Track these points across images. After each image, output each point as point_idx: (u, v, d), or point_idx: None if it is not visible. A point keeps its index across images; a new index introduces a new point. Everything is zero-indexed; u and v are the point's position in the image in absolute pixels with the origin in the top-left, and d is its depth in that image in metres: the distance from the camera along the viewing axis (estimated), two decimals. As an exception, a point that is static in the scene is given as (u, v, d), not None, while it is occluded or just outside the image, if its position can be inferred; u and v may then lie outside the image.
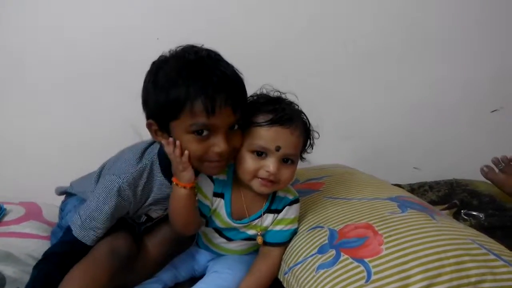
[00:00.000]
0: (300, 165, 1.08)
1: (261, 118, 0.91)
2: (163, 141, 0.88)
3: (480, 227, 1.20)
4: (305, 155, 1.00)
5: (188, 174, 0.88)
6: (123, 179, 0.93)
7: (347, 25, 1.61)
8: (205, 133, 0.85)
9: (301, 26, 1.58)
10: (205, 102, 0.81)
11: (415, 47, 1.67)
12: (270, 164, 0.90)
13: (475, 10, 1.67)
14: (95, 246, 0.96)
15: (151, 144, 1.01)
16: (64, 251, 0.93)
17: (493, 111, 1.75)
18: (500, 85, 1.74)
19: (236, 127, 0.89)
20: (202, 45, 0.89)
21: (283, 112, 0.91)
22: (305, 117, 0.97)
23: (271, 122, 0.90)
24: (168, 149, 0.87)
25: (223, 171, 0.97)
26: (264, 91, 0.97)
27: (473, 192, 1.45)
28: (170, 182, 0.94)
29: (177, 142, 0.86)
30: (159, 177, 0.98)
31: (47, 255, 0.93)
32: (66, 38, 1.46)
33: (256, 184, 0.92)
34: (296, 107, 0.97)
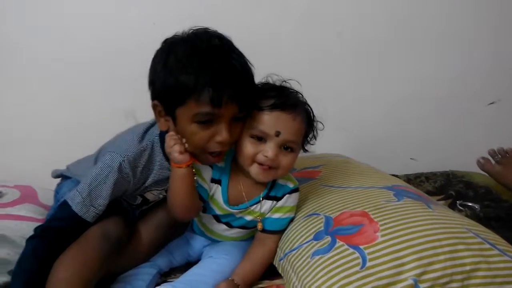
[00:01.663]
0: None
1: (263, 103, 0.90)
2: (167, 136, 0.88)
3: (475, 218, 1.20)
4: (308, 147, 0.99)
5: (180, 156, 0.86)
6: (124, 157, 0.92)
7: (342, 17, 1.61)
8: (208, 122, 0.85)
9: (295, 17, 1.58)
10: (212, 94, 0.81)
11: (412, 38, 1.67)
12: (268, 149, 0.89)
13: (471, 2, 1.67)
14: (87, 230, 0.95)
15: (152, 125, 1.00)
16: (60, 227, 0.93)
17: (490, 104, 1.75)
18: (497, 77, 1.74)
19: (240, 119, 0.89)
20: (215, 30, 0.89)
21: (286, 98, 0.91)
22: (309, 108, 0.96)
23: (273, 107, 0.89)
24: (167, 139, 0.87)
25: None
26: (270, 80, 0.96)
27: (469, 184, 1.46)
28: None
29: (175, 136, 0.86)
30: (159, 158, 0.98)
31: (42, 229, 0.92)
32: (59, 24, 1.44)
33: (254, 170, 0.91)
34: (301, 96, 0.96)
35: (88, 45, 1.46)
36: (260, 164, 0.90)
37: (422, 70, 1.70)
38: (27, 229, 1.06)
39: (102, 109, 1.34)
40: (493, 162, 1.40)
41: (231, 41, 0.89)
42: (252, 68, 0.90)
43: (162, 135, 0.96)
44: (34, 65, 1.46)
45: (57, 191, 1.16)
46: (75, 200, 0.93)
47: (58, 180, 1.18)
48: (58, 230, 0.92)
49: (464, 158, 1.53)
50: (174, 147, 0.86)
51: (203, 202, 0.99)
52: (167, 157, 0.97)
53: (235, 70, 0.84)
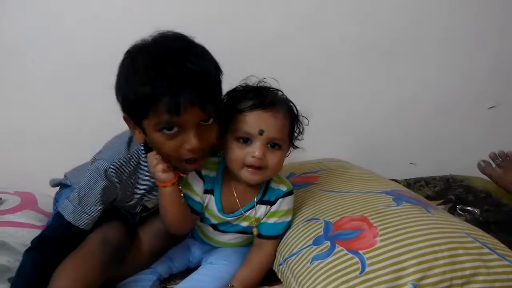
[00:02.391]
0: (296, 158, 1.08)
1: (242, 105, 0.90)
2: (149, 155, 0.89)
3: (475, 222, 1.21)
4: (298, 144, 0.99)
5: (160, 175, 0.87)
6: (109, 163, 0.93)
7: (343, 21, 1.60)
8: (174, 130, 0.83)
9: (297, 22, 1.57)
10: (169, 102, 0.79)
11: (412, 42, 1.66)
12: (255, 150, 0.89)
13: (472, 7, 1.67)
14: (87, 237, 0.96)
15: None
16: (56, 236, 0.93)
17: (490, 108, 1.75)
18: (497, 81, 1.73)
19: (210, 121, 0.86)
20: (176, 31, 0.86)
21: (264, 97, 0.91)
22: (291, 103, 0.96)
23: (253, 107, 0.89)
24: (149, 158, 0.89)
25: (213, 168, 0.98)
26: (249, 82, 0.97)
27: (469, 188, 1.46)
28: None
29: (157, 156, 0.87)
30: (145, 165, 0.97)
31: (39, 240, 0.93)
32: (57, 29, 1.43)
33: (245, 174, 0.91)
34: (280, 93, 0.96)
35: (91, 50, 1.46)
36: (250, 166, 0.90)
37: (422, 75, 1.70)
38: (27, 236, 1.06)
39: (104, 115, 1.33)
40: (493, 165, 1.40)
41: (190, 41, 0.86)
42: (216, 69, 0.87)
43: (146, 144, 0.95)
44: (36, 69, 1.46)
45: (56, 199, 1.16)
46: (67, 209, 0.94)
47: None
48: (54, 240, 0.93)
49: (464, 162, 1.52)
50: (157, 167, 0.87)
51: (197, 215, 0.99)
52: None
53: (192, 74, 0.80)
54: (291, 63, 1.58)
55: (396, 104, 1.71)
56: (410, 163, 1.74)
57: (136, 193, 1.01)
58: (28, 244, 1.03)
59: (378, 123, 1.72)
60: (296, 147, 0.99)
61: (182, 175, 0.93)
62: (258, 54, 1.50)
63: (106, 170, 0.92)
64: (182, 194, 0.92)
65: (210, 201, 0.98)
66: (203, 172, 0.98)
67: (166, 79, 0.79)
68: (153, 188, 1.00)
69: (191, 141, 0.83)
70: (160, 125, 0.82)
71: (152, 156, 0.88)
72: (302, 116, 0.98)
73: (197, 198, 0.97)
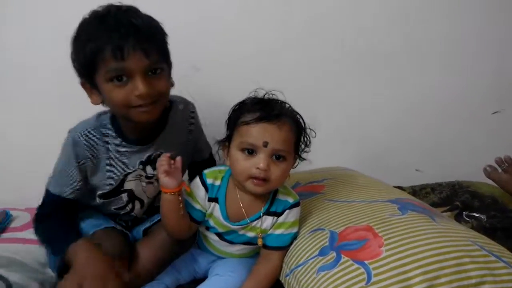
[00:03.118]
0: (302, 167, 1.09)
1: (248, 117, 0.92)
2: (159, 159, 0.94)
3: (481, 228, 1.20)
4: (304, 156, 1.00)
5: (163, 180, 0.92)
6: (76, 132, 0.99)
7: (346, 26, 1.61)
8: (124, 79, 0.89)
9: (297, 29, 1.58)
10: (113, 48, 0.86)
11: (416, 48, 1.67)
12: (259, 161, 0.90)
13: (476, 12, 1.67)
14: None
15: (107, 111, 1.05)
16: (49, 212, 1.02)
17: (494, 113, 1.75)
18: (501, 86, 1.73)
19: (158, 71, 0.93)
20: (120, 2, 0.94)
21: (270, 109, 0.93)
22: (298, 116, 0.98)
23: (258, 119, 0.91)
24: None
25: (219, 176, 1.00)
26: (257, 95, 0.98)
27: (475, 194, 1.45)
28: (125, 140, 1.01)
29: (167, 154, 0.93)
30: (112, 135, 1.02)
31: (36, 219, 1.03)
32: (60, 38, 1.45)
33: (250, 185, 0.93)
34: (287, 106, 0.97)
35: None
36: (255, 177, 0.92)
37: (426, 81, 1.70)
38: (37, 252, 1.09)
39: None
40: (499, 170, 1.39)
41: (133, 6, 0.94)
42: (161, 27, 0.95)
43: (113, 116, 1.02)
44: (50, 90, 1.48)
45: None
46: (51, 183, 1.02)
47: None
48: (49, 213, 1.02)
49: (470, 167, 1.52)
50: (161, 167, 0.91)
51: (197, 223, 1.01)
52: (119, 134, 1.02)
53: (132, 24, 0.88)
54: (292, 71, 1.59)
55: (400, 110, 1.71)
56: (416, 170, 1.74)
57: (112, 170, 1.04)
58: (40, 259, 1.06)
59: (383, 130, 1.72)
60: (303, 159, 1.00)
61: (187, 188, 0.97)
62: (259, 62, 1.52)
63: (73, 139, 0.99)
64: (181, 205, 0.95)
65: (215, 209, 1.00)
66: (208, 181, 0.99)
67: (110, 29, 0.87)
68: (126, 162, 1.04)
69: (138, 87, 0.89)
70: (109, 73, 0.89)
71: (161, 160, 0.92)
72: (310, 128, 0.99)
73: (198, 206, 0.99)
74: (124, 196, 1.08)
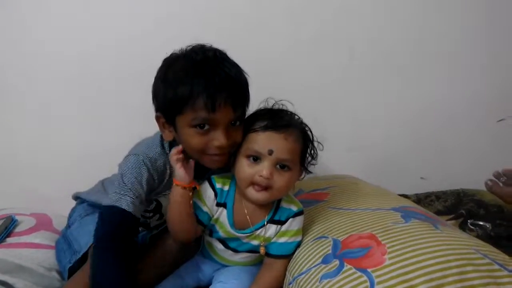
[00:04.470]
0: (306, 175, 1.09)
1: (257, 125, 0.94)
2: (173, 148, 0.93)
3: (486, 237, 1.20)
4: (310, 168, 1.01)
5: (178, 172, 0.92)
6: (143, 157, 0.98)
7: (353, 35, 1.62)
8: (206, 127, 0.90)
9: (307, 38, 1.59)
10: (206, 99, 0.87)
11: (421, 56, 1.67)
12: (263, 168, 0.91)
13: (482, 19, 1.67)
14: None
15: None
16: (111, 229, 0.94)
17: (499, 121, 1.74)
18: (507, 94, 1.72)
19: (237, 123, 0.94)
20: (211, 45, 0.95)
21: (278, 119, 0.95)
22: (307, 128, 0.99)
23: (265, 128, 0.93)
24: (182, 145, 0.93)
25: (227, 182, 1.00)
26: (268, 104, 1.00)
27: (481, 202, 1.44)
28: None
29: (179, 147, 0.92)
30: (170, 166, 1.02)
31: (98, 240, 0.93)
32: (78, 51, 1.48)
33: (251, 192, 0.94)
34: (297, 117, 0.99)
35: (105, 73, 1.50)
36: (257, 185, 0.92)
37: (432, 90, 1.70)
38: (42, 257, 1.09)
39: (118, 136, 1.37)
40: (500, 184, 1.39)
41: (225, 53, 0.96)
42: (246, 76, 0.96)
43: (172, 145, 1.00)
44: (52, 94, 1.50)
45: (70, 215, 1.20)
46: (111, 197, 0.95)
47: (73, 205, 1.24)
48: (112, 233, 0.94)
49: (475, 176, 1.51)
50: (175, 157, 0.91)
51: (203, 227, 1.01)
52: None
53: (228, 77, 0.90)
54: (300, 78, 1.60)
55: (406, 118, 1.71)
56: (421, 178, 1.73)
57: (159, 188, 1.04)
58: (44, 264, 1.07)
59: (388, 138, 1.72)
60: (309, 172, 1.01)
61: (197, 186, 0.97)
62: (267, 69, 1.52)
63: (143, 161, 0.97)
64: (191, 202, 0.95)
65: (222, 214, 1.00)
66: (217, 185, 1.00)
67: (204, 79, 0.88)
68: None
69: (220, 138, 0.91)
70: (195, 121, 0.90)
71: (176, 149, 0.92)
72: (318, 141, 1.00)
73: (205, 209, 0.99)
74: (152, 206, 1.10)
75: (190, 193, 0.94)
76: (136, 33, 1.49)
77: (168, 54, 0.96)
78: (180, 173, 0.92)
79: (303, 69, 1.61)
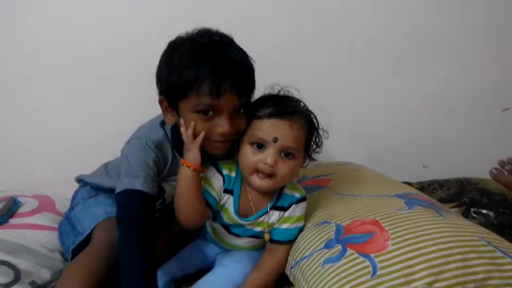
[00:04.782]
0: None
1: (261, 111, 0.92)
2: (182, 122, 0.91)
3: (489, 225, 1.20)
4: (314, 156, 1.00)
5: (193, 154, 0.90)
6: (147, 140, 0.97)
7: (355, 25, 1.60)
8: (210, 113, 0.88)
9: (308, 28, 1.58)
10: (211, 85, 0.85)
11: (424, 44, 1.65)
12: (267, 156, 0.90)
13: (484, 7, 1.65)
14: (96, 238, 0.99)
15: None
16: (127, 212, 0.94)
17: (504, 110, 1.73)
18: (509, 83, 1.71)
19: (241, 110, 0.92)
20: (217, 29, 0.93)
21: (284, 106, 0.93)
22: (312, 115, 0.97)
23: (270, 115, 0.91)
24: (183, 129, 0.90)
25: (233, 168, 0.99)
26: (273, 90, 0.98)
27: (484, 190, 1.44)
28: (182, 156, 0.96)
29: (192, 123, 0.89)
30: (171, 149, 1.01)
31: (120, 224, 0.93)
32: (76, 40, 1.48)
33: (255, 180, 0.93)
34: (302, 104, 0.97)
35: (105, 58, 1.50)
36: (261, 172, 0.91)
37: (434, 78, 1.69)
38: (45, 238, 1.10)
39: (119, 120, 1.37)
40: (505, 172, 1.39)
41: (231, 38, 0.93)
42: (252, 62, 0.94)
43: (173, 129, 1.00)
44: (50, 76, 1.50)
45: (73, 197, 1.21)
46: (124, 183, 0.93)
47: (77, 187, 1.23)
48: (131, 217, 0.93)
49: (478, 164, 1.51)
50: (190, 137, 0.89)
51: (210, 210, 0.99)
52: (177, 151, 1.00)
53: (234, 62, 0.88)
54: (303, 68, 1.59)
55: (408, 106, 1.70)
56: (423, 166, 1.73)
57: (163, 172, 1.02)
58: (47, 245, 1.07)
59: (392, 126, 1.71)
60: (313, 159, 1.00)
61: (205, 170, 0.96)
62: (270, 60, 1.51)
63: (146, 143, 0.96)
64: (202, 186, 0.94)
65: (228, 201, 0.99)
66: (224, 171, 0.98)
67: (210, 64, 0.85)
68: (174, 174, 1.02)
69: (223, 125, 0.89)
70: (199, 106, 0.87)
71: (191, 130, 0.89)
72: (323, 129, 0.98)
73: (214, 193, 0.97)
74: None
75: (202, 178, 0.93)
76: (135, 23, 1.48)
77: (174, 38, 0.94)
78: (196, 156, 0.90)
79: (306, 59, 1.60)
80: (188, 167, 0.90)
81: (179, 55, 0.89)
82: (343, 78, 1.65)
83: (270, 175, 0.92)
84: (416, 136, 1.73)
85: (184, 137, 0.90)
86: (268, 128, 0.91)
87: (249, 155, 0.92)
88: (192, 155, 0.90)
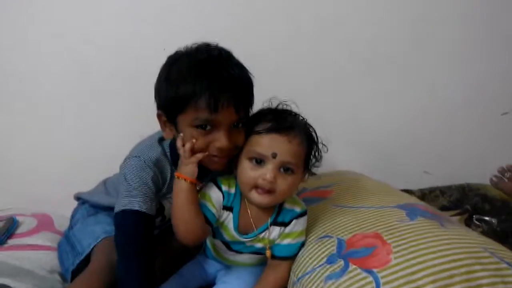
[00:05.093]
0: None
1: (260, 126, 0.92)
2: (178, 137, 0.91)
3: (492, 232, 1.19)
4: (314, 170, 0.99)
5: (191, 168, 0.89)
6: (145, 158, 0.96)
7: (352, 31, 1.60)
8: (208, 128, 0.88)
9: (307, 35, 1.58)
10: (209, 99, 0.85)
11: (423, 49, 1.66)
12: (266, 172, 0.89)
13: (483, 10, 1.65)
14: (95, 259, 0.99)
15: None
16: (126, 237, 0.94)
17: (503, 114, 1.72)
18: (510, 88, 1.71)
19: (240, 125, 0.91)
20: (217, 43, 0.93)
21: (282, 121, 0.92)
22: (311, 129, 0.96)
23: (269, 130, 0.90)
24: (179, 142, 0.90)
25: (232, 184, 0.98)
26: (272, 104, 0.98)
27: (486, 197, 1.43)
28: None
29: (193, 141, 0.89)
30: (170, 166, 1.01)
31: (117, 246, 0.94)
32: (75, 57, 1.48)
33: (254, 195, 0.92)
34: (301, 118, 0.96)
35: (104, 74, 1.49)
36: (261, 188, 0.90)
37: (434, 83, 1.69)
38: (44, 259, 1.09)
39: (117, 138, 1.36)
40: (505, 180, 1.38)
41: (230, 52, 0.94)
42: (251, 77, 0.94)
43: (172, 146, 0.99)
44: (48, 94, 1.50)
45: (72, 216, 1.20)
46: (121, 203, 0.93)
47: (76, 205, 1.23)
48: (128, 240, 0.93)
49: (479, 169, 1.51)
50: (187, 149, 0.88)
51: (210, 226, 0.97)
52: (177, 167, 0.98)
53: (232, 77, 0.88)
54: (300, 74, 1.59)
55: (408, 113, 1.70)
56: (424, 172, 1.72)
57: (163, 190, 1.02)
58: (46, 267, 1.06)
59: (392, 132, 1.71)
60: (313, 173, 0.99)
61: (200, 184, 0.95)
62: (266, 65, 1.51)
63: (144, 163, 0.95)
64: (199, 198, 0.93)
65: (228, 218, 0.98)
66: (223, 188, 0.97)
67: (207, 79, 0.86)
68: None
69: (221, 140, 0.88)
70: (197, 121, 0.87)
71: (190, 145, 0.89)
72: (322, 143, 0.98)
73: (213, 210, 0.95)
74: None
75: (196, 188, 0.92)
76: (132, 35, 1.49)
77: (173, 52, 0.94)
78: (193, 170, 0.89)
79: (303, 65, 1.59)
80: (185, 180, 0.89)
81: (178, 69, 0.89)
82: (341, 85, 1.65)
83: (269, 191, 0.91)
84: (417, 142, 1.73)
85: (180, 151, 0.90)
86: (267, 143, 0.90)
87: (248, 170, 0.91)
88: (190, 168, 0.89)
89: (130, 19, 1.49)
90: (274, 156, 0.89)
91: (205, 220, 0.93)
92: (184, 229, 0.91)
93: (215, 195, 0.96)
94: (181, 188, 0.89)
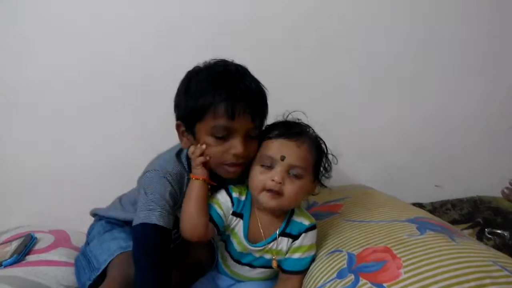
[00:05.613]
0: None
1: (270, 134, 0.98)
2: (191, 146, 0.97)
3: (504, 246, 1.18)
4: (324, 181, 1.02)
5: (197, 170, 0.96)
6: (165, 173, 0.99)
7: (359, 44, 1.62)
8: (224, 135, 0.94)
9: (309, 49, 1.60)
10: (227, 107, 0.92)
11: (431, 61, 1.66)
12: (275, 173, 0.94)
13: (494, 24, 1.66)
14: (111, 275, 1.00)
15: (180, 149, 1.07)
16: (144, 250, 0.95)
17: (510, 127, 1.71)
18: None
19: (254, 135, 0.98)
20: (233, 60, 1.01)
21: (291, 127, 0.98)
22: (320, 140, 1.00)
23: (278, 135, 0.97)
24: (190, 149, 0.97)
25: (243, 192, 1.02)
26: (284, 117, 1.04)
27: (497, 210, 1.42)
28: None
29: (203, 146, 0.95)
30: (187, 176, 1.03)
31: (137, 262, 0.94)
32: (87, 70, 1.50)
33: (263, 198, 0.95)
34: (310, 129, 1.01)
35: (118, 92, 1.52)
36: (269, 190, 0.94)
37: (443, 96, 1.69)
38: (61, 274, 1.11)
39: (133, 154, 1.38)
40: None
41: (246, 68, 1.01)
42: (265, 90, 1.01)
43: (188, 157, 1.02)
44: (62, 108, 1.52)
45: (89, 232, 1.22)
46: (141, 216, 0.95)
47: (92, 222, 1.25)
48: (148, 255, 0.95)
49: (490, 182, 1.50)
50: (198, 157, 0.95)
51: (216, 230, 0.99)
52: None
53: (248, 89, 0.95)
54: (308, 89, 1.60)
55: (418, 126, 1.70)
56: (435, 186, 1.71)
57: (179, 201, 1.04)
58: (63, 282, 1.09)
59: (401, 147, 1.71)
60: (324, 186, 1.02)
61: (212, 183, 0.99)
62: (271, 78, 1.54)
63: (164, 177, 0.98)
64: (207, 196, 0.98)
65: (238, 225, 1.01)
66: (234, 194, 1.01)
67: (226, 89, 0.93)
68: None
69: (237, 146, 0.94)
70: (215, 128, 0.94)
71: (199, 149, 0.96)
72: (332, 155, 1.01)
73: (220, 211, 0.99)
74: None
75: (208, 186, 0.97)
76: (140, 48, 1.51)
77: (191, 67, 1.01)
78: (202, 171, 0.96)
79: (309, 78, 1.61)
80: (197, 179, 0.96)
81: (197, 81, 0.96)
82: (348, 99, 1.65)
83: (278, 193, 0.94)
84: (427, 156, 1.72)
85: (191, 156, 0.97)
86: (276, 147, 0.95)
87: (258, 174, 0.96)
88: (199, 170, 0.96)
89: (137, 34, 1.51)
90: (282, 158, 0.93)
91: (210, 219, 0.97)
92: (188, 223, 0.96)
93: (223, 199, 1.01)
94: (194, 185, 0.97)
